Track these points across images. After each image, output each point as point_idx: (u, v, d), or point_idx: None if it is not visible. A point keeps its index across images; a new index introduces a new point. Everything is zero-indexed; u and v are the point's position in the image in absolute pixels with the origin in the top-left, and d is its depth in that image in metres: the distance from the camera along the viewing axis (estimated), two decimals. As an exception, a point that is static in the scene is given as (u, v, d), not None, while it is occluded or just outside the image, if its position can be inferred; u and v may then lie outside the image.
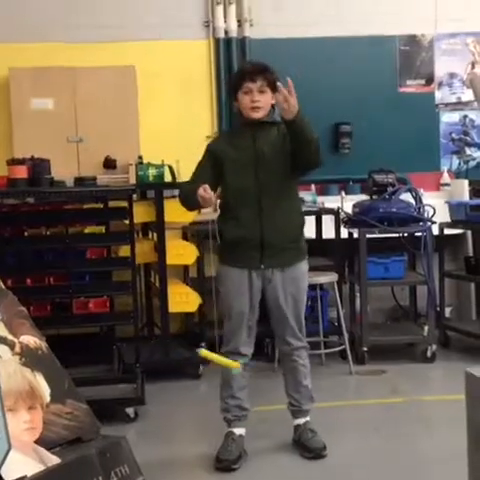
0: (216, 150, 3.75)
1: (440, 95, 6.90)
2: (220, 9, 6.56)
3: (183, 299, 5.34)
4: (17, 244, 4.77)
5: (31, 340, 2.91)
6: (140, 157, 5.92)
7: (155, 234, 5.32)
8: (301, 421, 3.87)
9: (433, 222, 5.60)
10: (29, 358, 2.78)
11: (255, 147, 3.65)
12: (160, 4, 6.48)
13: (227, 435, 3.79)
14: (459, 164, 6.89)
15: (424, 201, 5.67)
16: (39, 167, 4.79)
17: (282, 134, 3.61)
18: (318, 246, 5.72)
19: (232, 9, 6.58)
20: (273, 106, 3.65)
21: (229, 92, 3.66)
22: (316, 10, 6.59)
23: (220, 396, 3.85)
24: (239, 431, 3.79)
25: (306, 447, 3.79)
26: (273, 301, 3.76)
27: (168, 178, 5.59)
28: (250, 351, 3.80)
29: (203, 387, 5.23)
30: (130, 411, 4.40)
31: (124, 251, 4.86)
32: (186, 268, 6.01)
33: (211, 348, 5.49)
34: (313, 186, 6.42)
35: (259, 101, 3.60)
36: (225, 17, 6.58)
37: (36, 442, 2.56)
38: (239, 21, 6.60)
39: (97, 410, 3.07)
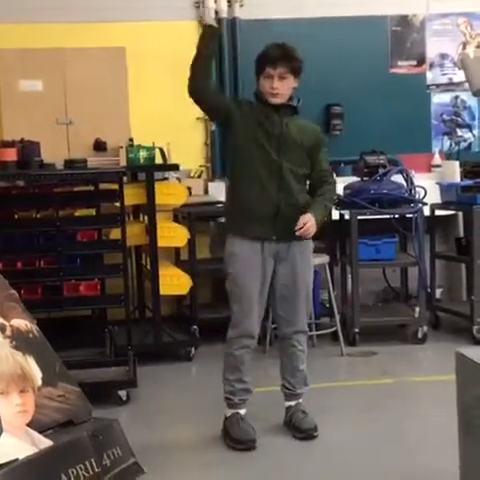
0: (244, 108, 3.70)
1: (431, 76, 6.88)
2: (211, -11, 6.51)
3: (174, 281, 5.33)
4: (7, 227, 4.74)
5: (22, 323, 2.90)
6: (131, 139, 5.89)
7: (146, 216, 5.30)
8: (293, 403, 3.89)
9: (424, 203, 5.61)
10: (20, 341, 2.78)
11: (281, 122, 3.67)
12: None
13: (233, 416, 3.78)
14: (450, 145, 6.89)
15: (415, 182, 5.67)
16: (29, 149, 4.76)
17: (311, 144, 3.75)
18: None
19: (223, -11, 6.53)
20: (295, 88, 3.70)
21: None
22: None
23: (225, 378, 3.80)
24: (243, 411, 3.81)
25: (297, 428, 3.81)
26: (284, 277, 3.75)
27: (159, 160, 5.56)
28: (258, 332, 3.81)
29: (195, 369, 5.24)
30: (122, 394, 4.41)
31: (115, 234, 4.84)
32: (177, 250, 6.00)
33: (205, 331, 5.53)
34: (304, 168, 6.40)
35: (278, 88, 3.63)
36: (216, -3, 6.54)
37: (28, 425, 2.56)
38: (229, 2, 6.55)
39: (89, 393, 3.07)
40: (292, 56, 3.66)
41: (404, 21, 6.78)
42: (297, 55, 3.68)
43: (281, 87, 3.64)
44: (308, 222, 3.61)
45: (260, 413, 4.01)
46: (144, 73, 6.35)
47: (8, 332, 2.79)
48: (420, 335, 5.53)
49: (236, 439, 3.71)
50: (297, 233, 3.62)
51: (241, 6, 6.53)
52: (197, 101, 3.67)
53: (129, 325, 4.74)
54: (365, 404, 4.31)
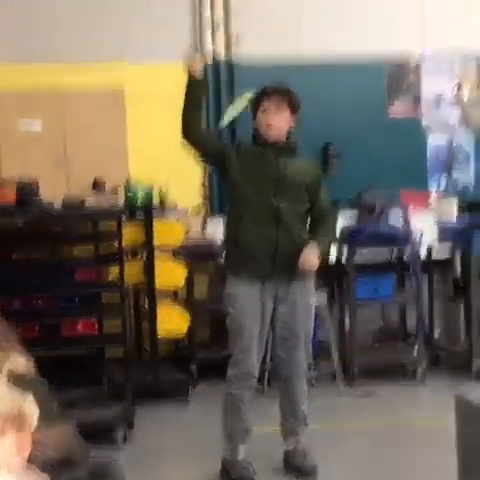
0: (242, 151, 3.75)
1: (427, 117, 6.94)
2: (208, 33, 6.60)
3: (172, 321, 5.32)
4: (5, 266, 4.74)
5: (19, 362, 2.88)
6: (129, 178, 5.92)
7: (144, 255, 5.30)
8: (292, 442, 3.86)
9: (422, 242, 5.62)
10: (17, 380, 2.75)
11: (278, 163, 3.71)
12: (149, 27, 6.50)
13: (233, 455, 3.76)
14: (447, 184, 6.93)
15: (412, 222, 5.69)
16: (27, 189, 4.78)
17: (310, 182, 3.78)
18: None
19: (220, 33, 6.62)
20: (291, 127, 3.77)
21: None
22: (304, 34, 6.64)
23: (224, 418, 3.79)
24: (243, 450, 3.79)
25: (298, 468, 3.78)
26: (284, 318, 3.75)
27: (157, 199, 5.58)
28: (258, 372, 3.79)
29: (192, 409, 5.19)
30: (119, 433, 4.36)
31: (113, 273, 4.84)
32: (175, 290, 5.99)
33: (203, 370, 5.50)
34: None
35: (274, 120, 3.69)
36: (213, 41, 6.62)
37: (25, 465, 2.53)
38: (227, 44, 6.63)
39: (86, 432, 3.04)
40: (287, 90, 3.75)
41: (399, 63, 6.86)
42: (292, 90, 3.75)
43: (277, 119, 3.69)
44: (310, 256, 3.61)
45: (260, 452, 3.97)
46: (142, 113, 6.40)
47: (5, 371, 2.77)
48: (419, 374, 5.50)
49: (235, 479, 3.66)
50: (300, 266, 3.62)
51: (238, 49, 6.61)
52: (191, 145, 3.77)
53: (127, 364, 4.71)
54: (365, 444, 4.28)
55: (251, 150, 3.75)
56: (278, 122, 3.70)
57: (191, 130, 3.73)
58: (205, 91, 3.73)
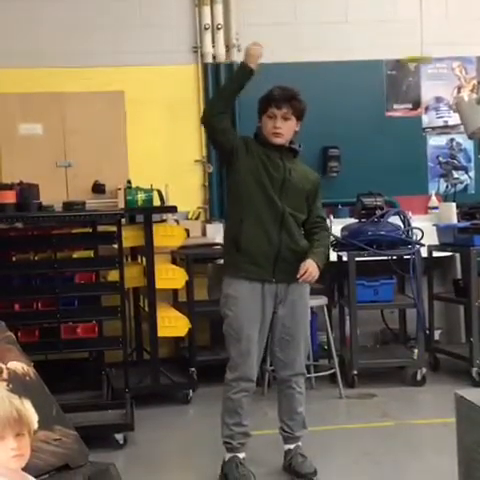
0: (250, 148, 3.72)
1: (427, 119, 6.95)
2: (208, 35, 6.62)
3: (172, 323, 5.31)
4: (5, 269, 4.74)
5: (19, 366, 2.89)
6: (129, 181, 5.93)
7: (144, 258, 5.31)
8: (292, 446, 3.85)
9: (422, 245, 5.62)
10: (17, 384, 2.76)
11: (285, 167, 3.71)
12: (148, 29, 6.52)
13: (232, 460, 3.74)
14: (447, 187, 6.93)
15: (412, 224, 5.70)
16: (27, 192, 4.79)
17: (310, 189, 3.79)
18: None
19: (220, 35, 6.63)
20: (296, 132, 3.76)
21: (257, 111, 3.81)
22: (304, 35, 6.65)
23: (223, 422, 3.77)
24: (242, 455, 3.77)
25: (297, 472, 3.77)
26: (284, 319, 3.74)
27: (157, 202, 5.59)
28: (256, 375, 3.79)
29: (192, 412, 5.20)
30: (119, 437, 4.36)
31: (113, 276, 4.84)
32: (175, 292, 5.99)
33: (203, 373, 5.50)
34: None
35: (280, 128, 3.68)
36: (213, 42, 6.63)
37: (24, 469, 2.53)
38: (227, 46, 6.65)
39: (86, 436, 3.05)
40: (296, 98, 3.72)
41: (399, 65, 6.88)
42: (301, 98, 3.74)
43: (284, 127, 3.68)
44: (310, 267, 3.62)
45: (259, 457, 3.97)
46: (142, 116, 6.42)
47: (5, 375, 2.77)
48: (419, 377, 5.50)
49: None
50: (300, 280, 3.63)
51: (239, 51, 6.60)
52: (212, 131, 3.71)
53: (126, 367, 4.70)
54: (365, 447, 4.27)
55: (257, 149, 3.73)
56: (284, 130, 3.69)
57: (222, 117, 3.63)
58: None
